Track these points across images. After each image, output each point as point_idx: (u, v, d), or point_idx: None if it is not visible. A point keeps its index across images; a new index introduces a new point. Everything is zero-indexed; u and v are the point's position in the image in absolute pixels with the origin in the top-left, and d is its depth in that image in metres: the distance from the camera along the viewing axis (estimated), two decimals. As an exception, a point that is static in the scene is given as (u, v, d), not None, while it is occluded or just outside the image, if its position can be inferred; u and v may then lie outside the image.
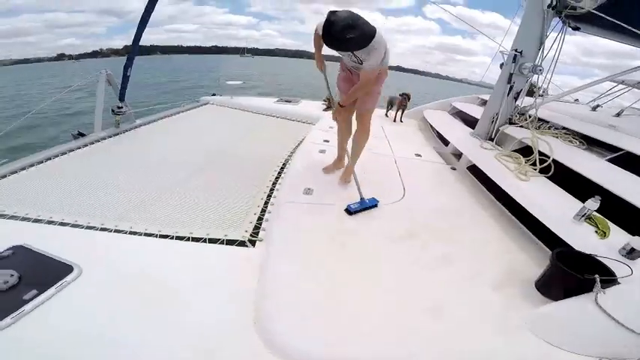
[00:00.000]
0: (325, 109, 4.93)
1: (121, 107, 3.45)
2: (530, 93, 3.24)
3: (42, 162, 2.56)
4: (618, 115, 3.20)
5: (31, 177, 2.33)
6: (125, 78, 3.37)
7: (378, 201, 2.06)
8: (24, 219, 1.80)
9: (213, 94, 5.53)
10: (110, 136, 3.29)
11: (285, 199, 2.04)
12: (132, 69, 3.33)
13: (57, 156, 2.70)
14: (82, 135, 3.13)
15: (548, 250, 1.75)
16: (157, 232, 1.76)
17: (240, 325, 1.18)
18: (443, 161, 3.05)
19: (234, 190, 2.36)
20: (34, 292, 1.20)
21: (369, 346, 1.14)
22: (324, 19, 1.66)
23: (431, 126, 4.12)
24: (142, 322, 1.17)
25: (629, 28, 2.26)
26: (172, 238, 1.71)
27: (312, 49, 2.11)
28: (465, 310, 1.35)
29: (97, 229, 1.75)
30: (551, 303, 1.35)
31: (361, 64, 1.83)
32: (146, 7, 3.04)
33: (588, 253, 1.44)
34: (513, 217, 2.08)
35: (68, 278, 1.29)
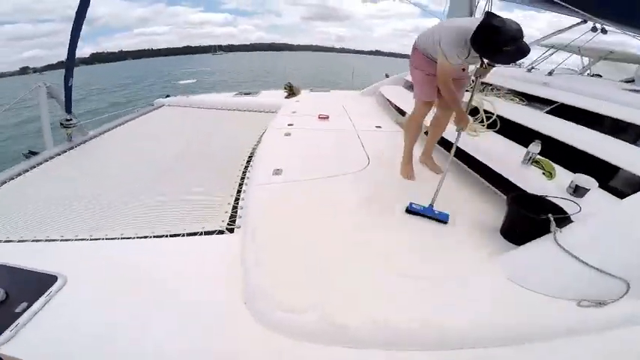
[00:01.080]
0: (287, 97, 4.94)
1: (70, 119, 3.26)
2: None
3: None
4: (550, 74, 3.45)
5: None
6: (68, 89, 3.17)
7: (448, 217, 1.75)
8: None
9: (167, 96, 5.35)
10: (65, 151, 3.12)
11: (257, 182, 2.09)
12: (73, 79, 3.14)
13: (12, 179, 2.53)
14: (33, 154, 2.93)
15: (504, 196, 1.92)
16: (134, 234, 1.74)
17: (232, 308, 1.22)
18: (400, 129, 3.21)
19: (205, 184, 2.35)
20: (25, 304, 1.20)
21: (357, 310, 1.18)
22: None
23: (388, 100, 4.28)
24: (134, 318, 1.19)
25: None
26: (150, 237, 1.71)
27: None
28: (437, 263, 1.43)
29: (72, 241, 1.71)
30: (517, 248, 1.45)
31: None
32: (77, 10, 2.87)
33: (540, 195, 1.58)
34: (470, 170, 2.26)
35: (54, 287, 1.27)
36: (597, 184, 1.58)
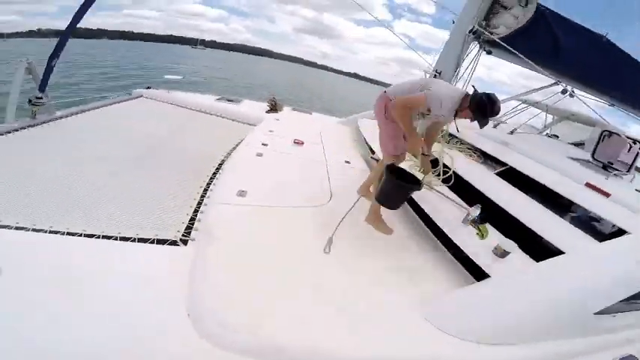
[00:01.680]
0: (268, 111, 5.02)
1: (41, 98, 3.15)
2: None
3: None
4: (512, 132, 3.76)
5: None
6: (49, 68, 3.11)
7: None
8: None
9: (148, 87, 5.21)
10: (25, 127, 2.99)
11: (219, 200, 2.12)
12: (58, 60, 3.07)
13: None
14: None
15: (445, 249, 2.13)
16: (82, 231, 1.71)
17: (174, 319, 1.26)
18: (368, 168, 3.37)
19: (167, 188, 2.36)
20: None
21: (300, 333, 1.29)
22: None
23: (362, 133, 4.44)
24: (71, 322, 1.18)
25: (520, 55, 2.74)
26: (99, 237, 1.69)
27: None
28: (370, 298, 1.58)
29: (11, 229, 1.65)
30: (441, 295, 1.68)
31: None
32: None
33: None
34: (418, 219, 2.45)
35: None
36: (517, 247, 1.81)
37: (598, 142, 2.93)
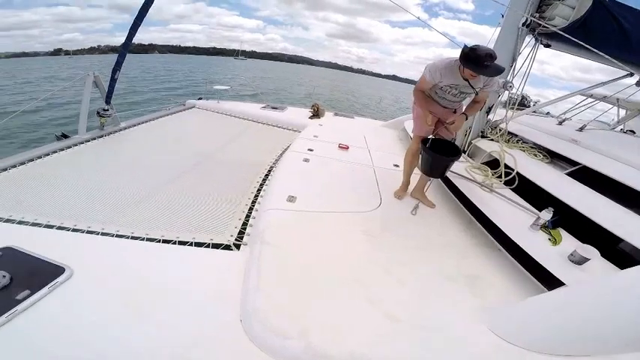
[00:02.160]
0: (311, 117, 5.06)
1: (107, 110, 3.47)
2: (522, 104, 3.43)
3: (24, 163, 2.56)
4: (581, 129, 3.40)
5: (13, 178, 2.35)
6: (112, 81, 3.40)
7: None
8: (7, 221, 1.81)
9: (199, 98, 5.56)
10: (94, 139, 3.30)
11: (269, 205, 2.12)
12: (120, 72, 3.36)
13: (40, 157, 2.70)
14: (65, 137, 3.13)
15: (509, 256, 1.92)
16: (145, 235, 1.82)
17: (227, 323, 1.27)
18: (418, 172, 3.20)
19: (220, 194, 2.43)
20: (27, 292, 1.24)
21: (350, 342, 1.23)
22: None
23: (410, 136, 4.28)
24: (132, 322, 1.23)
25: (588, 47, 2.45)
26: (159, 241, 1.78)
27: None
28: (427, 309, 1.48)
29: (83, 232, 1.79)
30: (505, 305, 1.52)
31: (474, 93, 2.14)
32: (143, 5, 3.10)
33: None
34: (479, 224, 2.25)
35: (60, 279, 1.34)
36: (599, 253, 1.58)
37: None
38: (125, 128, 3.75)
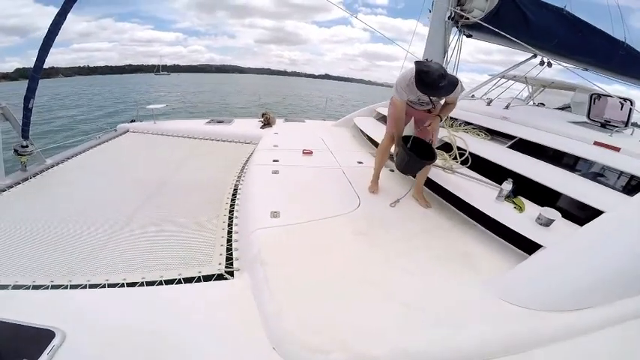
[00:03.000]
0: (262, 127, 4.94)
1: (26, 146, 2.97)
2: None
3: None
4: (507, 107, 3.87)
5: None
6: (27, 111, 2.90)
7: None
8: None
9: (132, 121, 5.06)
10: (19, 183, 2.81)
11: (255, 225, 2.01)
12: (34, 100, 2.89)
13: None
14: None
15: (483, 228, 2.12)
16: (122, 280, 1.62)
17: (261, 355, 1.19)
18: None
19: (191, 223, 2.26)
20: None
21: (381, 343, 1.25)
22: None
23: (362, 132, 4.45)
24: None
25: (504, 34, 2.80)
26: (142, 284, 1.59)
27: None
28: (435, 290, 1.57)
29: (47, 288, 1.55)
30: (506, 271, 1.67)
31: (432, 105, 2.26)
32: (52, 24, 2.74)
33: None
34: (450, 205, 2.44)
35: (55, 343, 1.14)
36: (560, 214, 1.83)
37: (590, 105, 3.10)
38: (53, 165, 3.24)
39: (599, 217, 1.64)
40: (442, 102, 2.29)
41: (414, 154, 2.17)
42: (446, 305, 1.46)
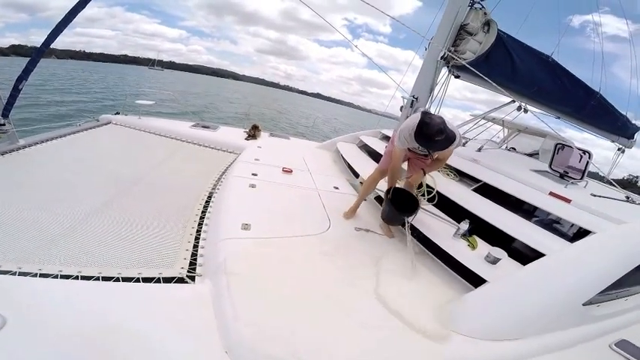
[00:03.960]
0: (247, 138, 5.00)
1: (3, 124, 2.91)
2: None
3: None
4: (479, 150, 4.11)
5: None
6: (15, 91, 2.89)
7: None
8: None
9: (117, 113, 4.99)
10: None
11: (225, 235, 2.05)
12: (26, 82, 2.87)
13: None
14: None
15: (439, 261, 2.26)
16: (77, 273, 1.60)
17: (212, 358, 1.23)
18: (355, 193, 3.48)
19: (157, 223, 2.27)
20: None
21: (339, 355, 1.33)
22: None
23: (343, 158, 4.58)
24: None
25: (486, 79, 2.98)
26: (97, 279, 1.58)
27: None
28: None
29: None
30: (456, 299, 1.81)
31: (429, 154, 2.35)
32: (73, 7, 2.77)
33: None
34: (411, 237, 2.58)
35: None
36: (506, 254, 2.02)
37: (554, 154, 3.36)
38: (25, 147, 3.15)
39: (540, 259, 1.82)
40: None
41: (395, 210, 2.33)
42: (395, 327, 1.55)
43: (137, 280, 1.63)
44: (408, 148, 2.42)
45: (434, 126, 1.94)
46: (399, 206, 2.35)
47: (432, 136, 1.95)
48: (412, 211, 2.32)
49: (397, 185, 2.61)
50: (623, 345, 1.73)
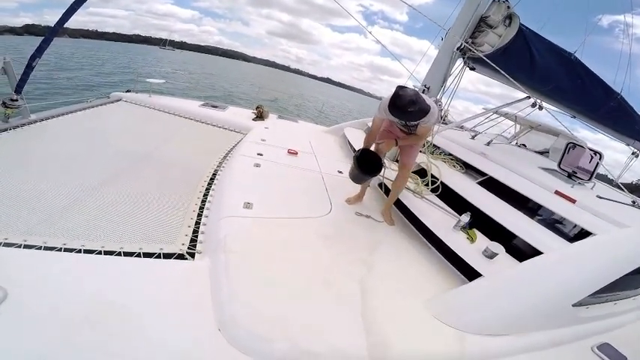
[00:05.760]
0: (255, 119, 5.01)
1: (16, 100, 2.96)
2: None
3: None
4: (488, 144, 4.05)
5: None
6: (29, 68, 2.93)
7: None
8: None
9: (128, 91, 5.03)
10: None
11: (226, 213, 2.08)
12: (40, 59, 2.91)
13: None
14: None
15: (437, 252, 2.26)
16: (81, 246, 1.64)
17: (205, 334, 1.26)
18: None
19: (163, 199, 2.31)
20: None
21: (330, 338, 1.36)
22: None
23: (349, 143, 4.54)
24: (99, 347, 1.12)
25: (503, 73, 2.89)
26: (100, 252, 1.62)
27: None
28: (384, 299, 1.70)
29: (4, 246, 1.55)
30: (444, 293, 1.82)
31: (409, 127, 2.32)
32: None
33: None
34: (412, 226, 2.58)
35: None
36: (504, 249, 2.01)
37: (564, 153, 3.25)
38: (36, 121, 3.22)
39: (536, 257, 1.81)
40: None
41: (357, 168, 2.42)
42: (387, 315, 1.57)
43: (138, 255, 1.67)
44: (392, 123, 2.46)
45: (405, 97, 1.97)
46: (365, 167, 2.42)
47: (404, 107, 1.98)
48: (375, 173, 2.46)
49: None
50: (604, 348, 1.75)
